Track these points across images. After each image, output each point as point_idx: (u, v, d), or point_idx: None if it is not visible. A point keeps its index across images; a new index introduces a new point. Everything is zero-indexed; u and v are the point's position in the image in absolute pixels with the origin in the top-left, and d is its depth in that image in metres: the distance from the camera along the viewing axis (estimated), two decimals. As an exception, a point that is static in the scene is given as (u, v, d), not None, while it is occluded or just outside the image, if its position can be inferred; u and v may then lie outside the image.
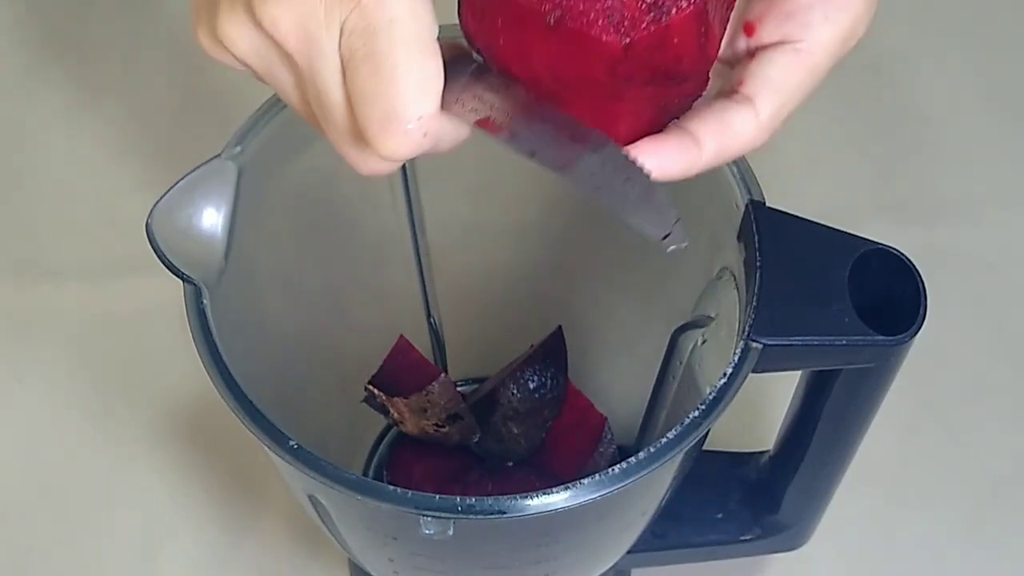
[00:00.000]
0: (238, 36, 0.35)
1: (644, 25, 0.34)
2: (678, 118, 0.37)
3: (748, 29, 0.38)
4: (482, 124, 0.35)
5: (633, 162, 0.34)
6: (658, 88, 0.36)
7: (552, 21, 0.35)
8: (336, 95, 0.34)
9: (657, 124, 0.37)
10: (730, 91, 0.38)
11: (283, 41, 0.34)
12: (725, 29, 0.37)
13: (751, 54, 0.38)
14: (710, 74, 0.38)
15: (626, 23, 0.34)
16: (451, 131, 0.35)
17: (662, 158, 0.36)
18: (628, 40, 0.34)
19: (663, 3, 0.34)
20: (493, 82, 0.36)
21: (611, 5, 0.34)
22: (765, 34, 0.38)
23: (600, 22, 0.35)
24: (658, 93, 0.36)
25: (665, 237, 0.34)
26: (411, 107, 0.33)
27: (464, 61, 0.36)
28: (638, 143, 0.37)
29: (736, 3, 0.38)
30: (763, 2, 0.38)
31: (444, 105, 0.34)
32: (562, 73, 0.36)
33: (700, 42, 0.36)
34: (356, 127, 0.34)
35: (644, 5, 0.34)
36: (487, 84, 0.36)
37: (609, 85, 0.35)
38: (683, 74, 0.36)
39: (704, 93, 0.38)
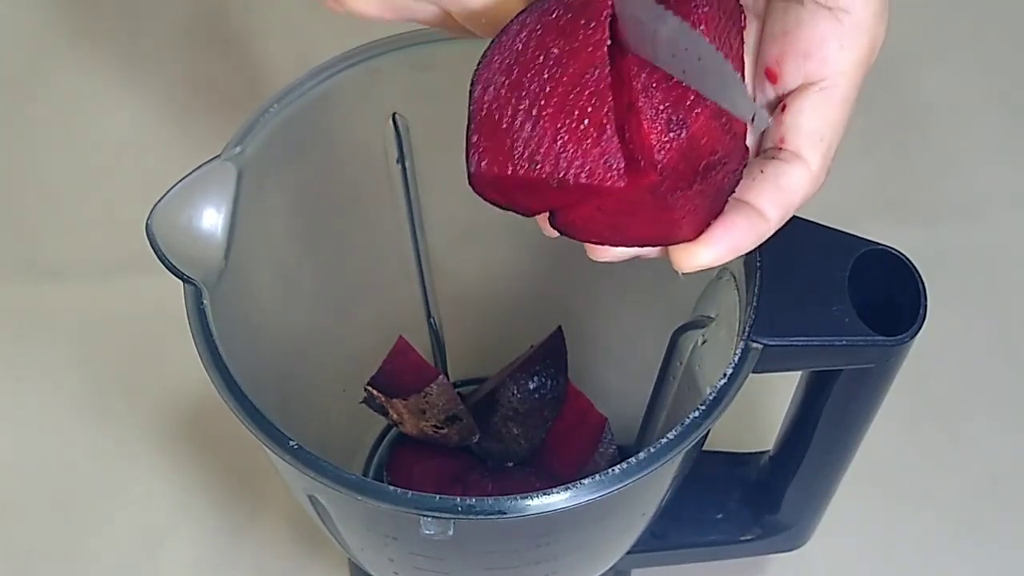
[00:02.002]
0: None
1: (668, 144, 0.34)
2: (734, 191, 0.37)
3: (771, 76, 0.39)
4: None
5: (702, 39, 0.34)
6: (703, 183, 0.36)
7: (556, 184, 0.35)
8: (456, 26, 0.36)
9: (716, 209, 0.37)
10: (774, 149, 0.38)
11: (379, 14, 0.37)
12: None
13: (780, 100, 0.39)
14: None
15: (654, 149, 0.34)
16: None
17: (734, 240, 0.37)
18: (660, 164, 0.34)
19: (679, 116, 0.34)
20: None
21: (605, 148, 0.34)
22: (788, 79, 0.38)
23: (599, 171, 0.35)
24: (705, 186, 0.36)
25: (753, 118, 0.35)
26: None
27: None
28: (708, 234, 0.37)
29: (755, 44, 0.38)
30: (778, 43, 0.38)
31: None
32: (608, 207, 0.36)
33: (726, 128, 0.36)
34: None
35: (660, 125, 0.34)
36: None
37: (656, 203, 0.35)
38: (721, 161, 0.36)
39: (748, 160, 0.38)
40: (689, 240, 0.37)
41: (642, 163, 0.35)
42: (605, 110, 0.34)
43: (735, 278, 0.47)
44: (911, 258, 0.46)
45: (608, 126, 0.34)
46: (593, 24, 0.35)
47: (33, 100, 0.82)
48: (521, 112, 0.35)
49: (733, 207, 0.37)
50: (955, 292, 0.73)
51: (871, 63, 0.38)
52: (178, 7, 0.85)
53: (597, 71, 0.34)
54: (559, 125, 0.35)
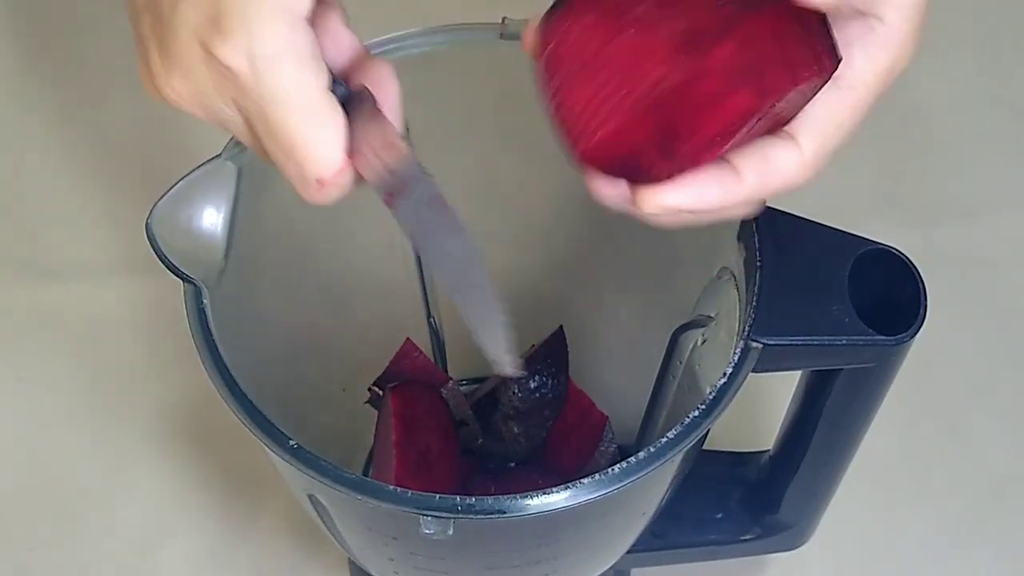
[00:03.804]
0: (156, 94, 0.38)
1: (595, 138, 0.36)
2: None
3: None
4: (373, 185, 0.36)
5: (483, 267, 0.35)
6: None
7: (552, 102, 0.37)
8: (258, 149, 0.37)
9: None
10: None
11: (190, 110, 0.36)
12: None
13: None
14: None
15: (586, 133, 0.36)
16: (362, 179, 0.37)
17: (699, 188, 0.37)
18: (582, 148, 0.36)
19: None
20: (387, 132, 0.36)
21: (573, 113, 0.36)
22: None
23: (568, 124, 0.36)
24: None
25: (499, 363, 0.36)
26: (318, 171, 0.36)
27: (364, 99, 0.37)
28: (676, 178, 0.37)
29: None
30: None
31: (352, 151, 0.36)
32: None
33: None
34: None
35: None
36: (382, 134, 0.36)
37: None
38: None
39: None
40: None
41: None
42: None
43: (735, 277, 0.47)
44: (911, 258, 0.46)
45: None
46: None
47: (33, 100, 0.82)
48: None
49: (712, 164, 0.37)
50: (955, 292, 0.73)
51: (894, 78, 0.38)
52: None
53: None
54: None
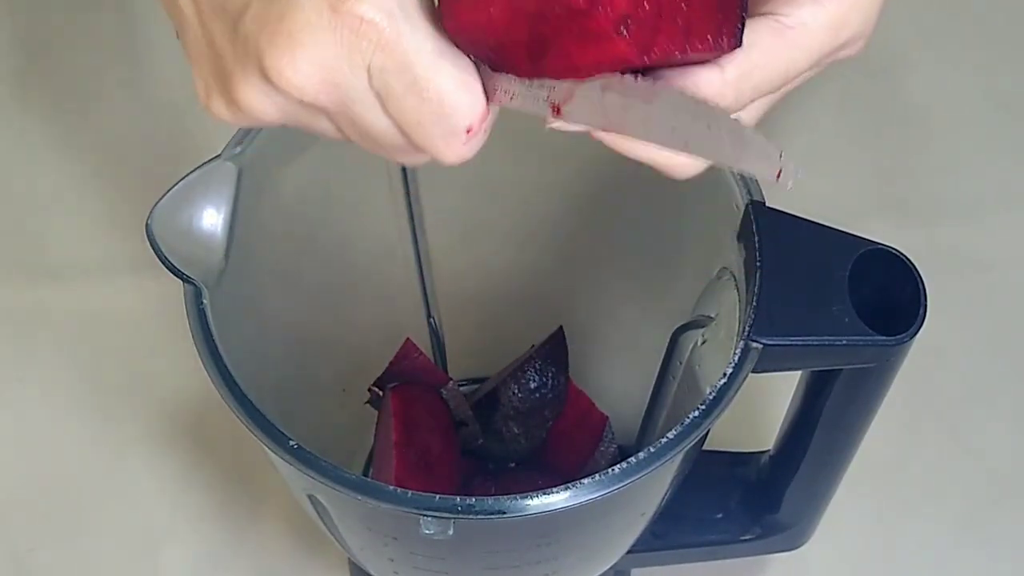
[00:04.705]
0: (261, 103, 0.35)
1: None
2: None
3: None
4: (533, 109, 0.35)
5: (707, 104, 0.33)
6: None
7: None
8: (382, 125, 0.35)
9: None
10: None
11: (312, 100, 0.34)
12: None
13: None
14: None
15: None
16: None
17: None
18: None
19: None
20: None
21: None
22: (752, 8, 0.36)
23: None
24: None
25: (779, 175, 0.33)
26: (468, 117, 0.35)
27: None
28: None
29: None
30: None
31: (488, 97, 0.35)
32: None
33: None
34: (410, 144, 0.35)
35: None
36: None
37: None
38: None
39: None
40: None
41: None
42: None
43: (735, 278, 0.47)
44: (911, 258, 0.46)
45: None
46: None
47: (32, 100, 0.82)
48: None
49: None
50: (955, 292, 0.73)
51: (842, 40, 0.37)
52: (178, 7, 0.85)
53: None
54: None
